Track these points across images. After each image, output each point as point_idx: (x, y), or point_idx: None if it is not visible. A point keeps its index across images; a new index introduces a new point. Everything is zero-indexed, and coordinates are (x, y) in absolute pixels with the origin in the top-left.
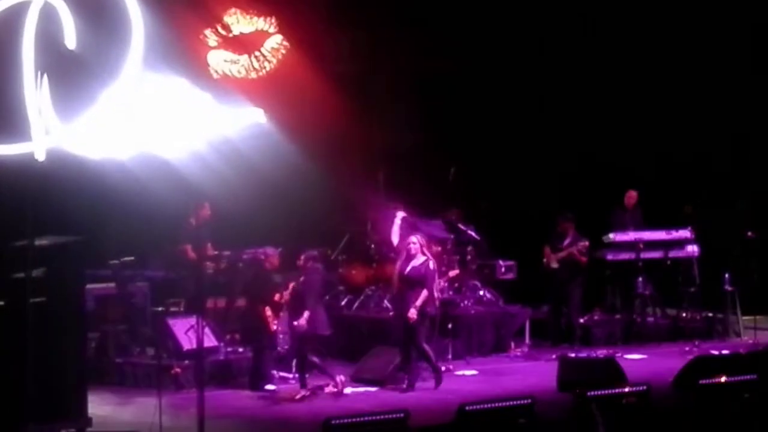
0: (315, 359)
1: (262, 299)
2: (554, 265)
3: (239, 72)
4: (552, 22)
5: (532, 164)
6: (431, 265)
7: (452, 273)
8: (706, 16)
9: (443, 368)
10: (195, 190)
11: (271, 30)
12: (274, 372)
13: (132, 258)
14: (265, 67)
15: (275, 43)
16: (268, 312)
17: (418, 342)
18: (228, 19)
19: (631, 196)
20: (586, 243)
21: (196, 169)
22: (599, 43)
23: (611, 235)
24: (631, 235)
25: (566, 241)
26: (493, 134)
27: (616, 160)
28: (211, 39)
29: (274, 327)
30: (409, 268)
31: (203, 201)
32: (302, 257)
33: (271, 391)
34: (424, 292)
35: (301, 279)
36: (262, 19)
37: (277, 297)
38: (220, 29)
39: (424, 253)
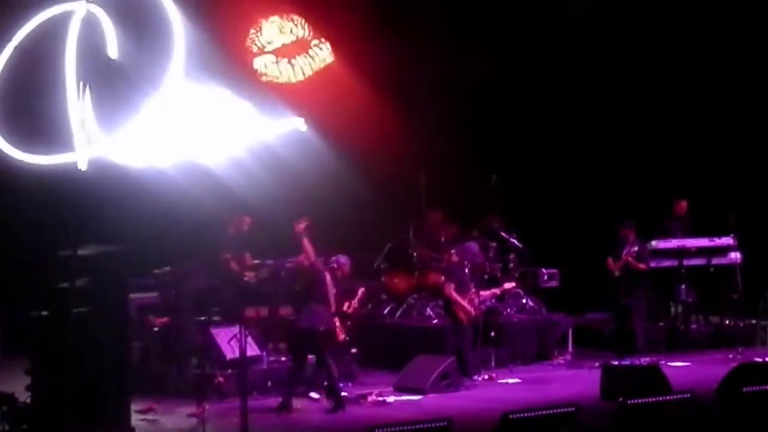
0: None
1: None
2: (617, 273)
3: (286, 72)
4: (596, 26)
5: (574, 171)
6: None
7: (508, 285)
8: (743, 21)
9: (486, 376)
10: (236, 198)
11: (310, 38)
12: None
13: (175, 267)
14: (311, 68)
15: (321, 49)
16: (338, 323)
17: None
18: (269, 27)
19: (682, 206)
20: (635, 248)
21: (237, 177)
22: (641, 47)
23: (653, 243)
24: (674, 243)
25: (625, 249)
26: (536, 141)
27: (659, 167)
28: (254, 47)
29: (342, 337)
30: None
31: (243, 212)
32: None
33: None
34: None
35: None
36: (301, 26)
37: (345, 306)
38: (260, 39)
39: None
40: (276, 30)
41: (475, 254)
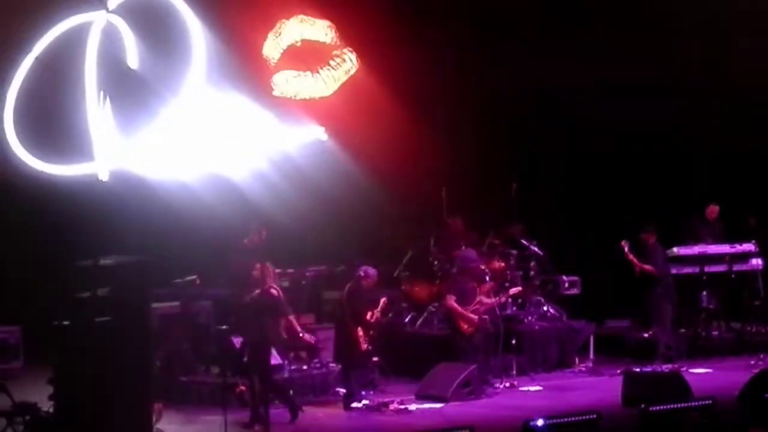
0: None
1: (355, 318)
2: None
3: (306, 88)
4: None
5: (596, 178)
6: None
7: (513, 290)
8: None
9: (507, 384)
10: (256, 208)
11: (334, 44)
12: (363, 391)
13: (195, 277)
14: (334, 80)
15: (345, 59)
16: (360, 332)
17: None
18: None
19: (713, 210)
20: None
21: (257, 187)
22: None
23: (675, 249)
24: (695, 249)
25: (647, 252)
26: (557, 149)
27: (682, 172)
28: (275, 53)
29: (365, 346)
30: None
31: (260, 225)
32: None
33: (359, 409)
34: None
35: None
36: (325, 30)
37: (368, 316)
38: (280, 40)
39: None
40: (297, 29)
41: (471, 260)
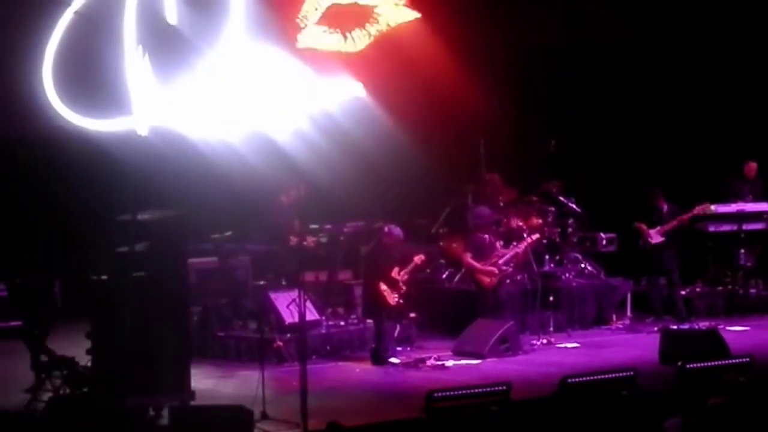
0: None
1: (377, 274)
2: (657, 239)
3: (333, 45)
4: None
5: (635, 134)
6: None
7: (531, 239)
8: None
9: (544, 341)
10: (295, 164)
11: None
12: (398, 347)
13: (233, 232)
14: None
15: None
16: (383, 287)
17: None
18: None
19: (751, 167)
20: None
21: (295, 143)
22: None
23: (713, 207)
24: (733, 207)
25: (665, 212)
26: (596, 105)
27: (720, 128)
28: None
29: (394, 301)
30: None
31: (297, 182)
32: None
33: (393, 364)
34: None
35: None
36: None
37: (394, 272)
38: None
39: None
40: None
41: (484, 217)
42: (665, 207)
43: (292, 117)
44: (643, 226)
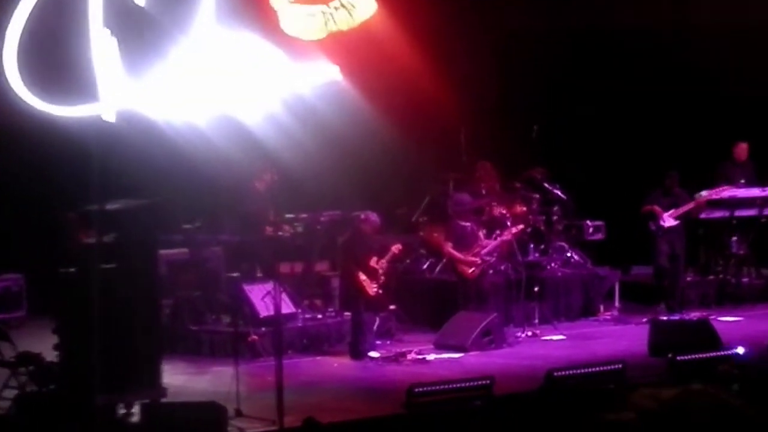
0: None
1: (356, 263)
2: (670, 223)
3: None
4: None
5: (619, 119)
6: None
7: (515, 229)
8: None
9: (529, 333)
10: (268, 152)
11: None
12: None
13: (205, 221)
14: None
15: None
16: (362, 276)
17: None
18: None
19: (742, 148)
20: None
21: (268, 129)
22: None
23: (703, 193)
24: (725, 193)
25: (679, 197)
26: (578, 90)
27: (707, 110)
28: None
29: (373, 291)
30: None
31: (267, 166)
32: None
33: (373, 358)
34: None
35: None
36: None
37: (372, 261)
38: None
39: None
40: None
41: (463, 204)
42: (678, 191)
43: (265, 101)
44: (658, 208)
